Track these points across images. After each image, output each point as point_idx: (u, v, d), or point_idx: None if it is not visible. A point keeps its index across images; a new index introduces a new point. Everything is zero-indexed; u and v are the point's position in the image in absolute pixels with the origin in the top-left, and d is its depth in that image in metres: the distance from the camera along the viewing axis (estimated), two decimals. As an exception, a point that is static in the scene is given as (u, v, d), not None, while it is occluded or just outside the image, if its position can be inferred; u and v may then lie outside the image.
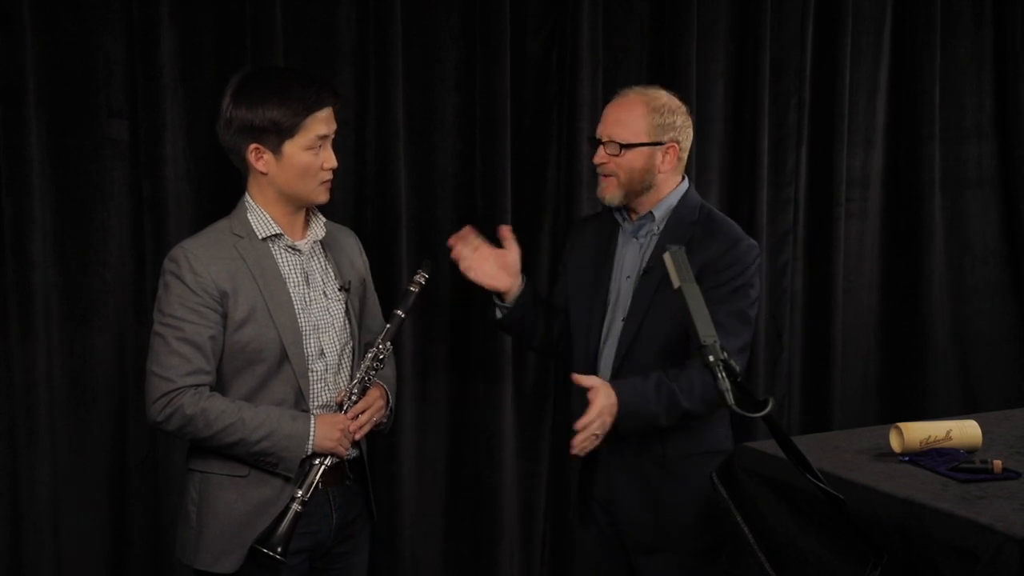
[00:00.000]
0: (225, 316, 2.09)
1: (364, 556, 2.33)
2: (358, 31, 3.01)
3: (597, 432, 2.27)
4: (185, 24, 2.81)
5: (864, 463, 2.14)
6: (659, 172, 2.43)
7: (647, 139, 2.40)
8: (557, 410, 3.33)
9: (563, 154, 3.25)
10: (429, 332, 3.17)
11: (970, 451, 2.18)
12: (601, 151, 2.44)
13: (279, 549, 2.06)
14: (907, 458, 2.14)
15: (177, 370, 2.06)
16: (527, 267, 3.22)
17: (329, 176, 2.16)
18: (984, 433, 2.23)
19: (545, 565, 3.36)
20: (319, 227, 2.24)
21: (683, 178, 2.50)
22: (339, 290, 2.23)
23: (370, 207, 3.05)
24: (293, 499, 2.10)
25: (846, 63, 3.55)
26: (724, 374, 1.75)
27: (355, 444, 2.22)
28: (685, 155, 2.48)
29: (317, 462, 2.13)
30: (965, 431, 2.21)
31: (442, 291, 3.15)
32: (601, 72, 3.24)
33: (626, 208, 2.50)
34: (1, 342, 2.70)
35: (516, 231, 3.14)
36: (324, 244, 2.25)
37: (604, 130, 2.45)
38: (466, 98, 3.14)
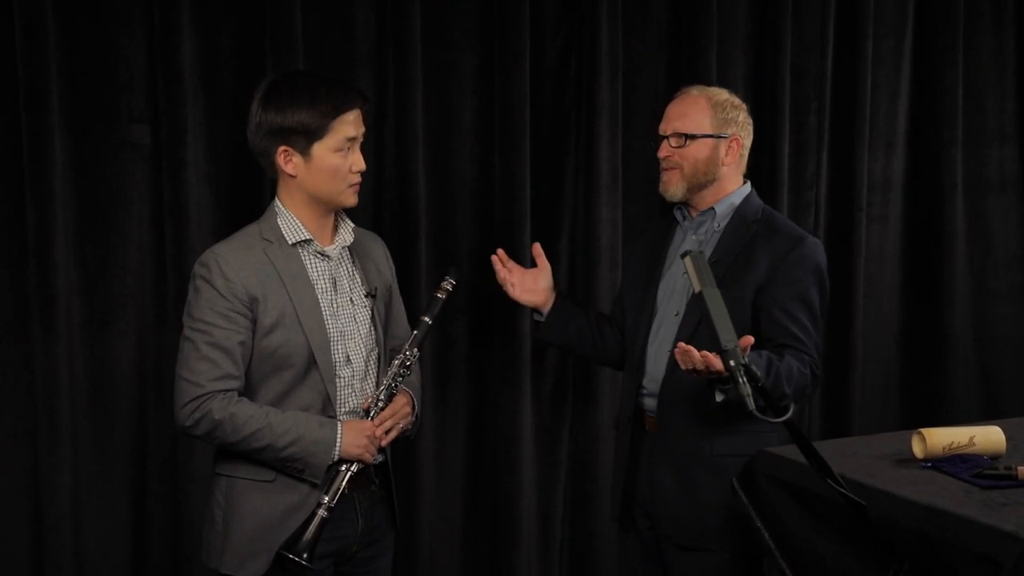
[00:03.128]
0: (254, 321, 2.10)
1: (388, 561, 2.33)
2: (377, 36, 3.02)
3: (705, 363, 2.12)
4: (205, 29, 2.83)
5: (885, 469, 2.13)
6: (723, 165, 2.46)
7: (711, 131, 2.45)
8: (575, 414, 3.32)
9: (581, 159, 3.25)
10: (448, 337, 3.17)
11: (993, 457, 2.16)
12: (665, 144, 2.48)
13: (305, 555, 2.07)
14: (929, 464, 2.13)
15: (206, 375, 2.07)
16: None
17: (358, 179, 2.17)
18: (1008, 439, 2.21)
19: (563, 569, 3.35)
20: (347, 233, 2.24)
21: (746, 180, 2.53)
22: (366, 296, 2.23)
23: (388, 212, 3.06)
24: (319, 505, 2.10)
25: (867, 67, 3.53)
26: (745, 379, 1.75)
27: (380, 450, 2.22)
28: (747, 152, 2.53)
29: (343, 468, 2.13)
30: (988, 437, 2.19)
31: (461, 297, 3.15)
32: (620, 77, 3.24)
33: (686, 205, 2.51)
34: (23, 345, 2.72)
35: (535, 236, 3.16)
36: (352, 250, 2.26)
37: (667, 125, 2.50)
38: (484, 103, 3.15)
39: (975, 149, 3.78)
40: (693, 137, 2.44)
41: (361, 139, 2.17)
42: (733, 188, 2.50)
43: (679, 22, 3.35)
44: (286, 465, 2.10)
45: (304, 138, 2.09)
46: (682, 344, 2.15)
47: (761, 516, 2.18)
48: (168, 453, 2.86)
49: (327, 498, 2.10)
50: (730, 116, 2.47)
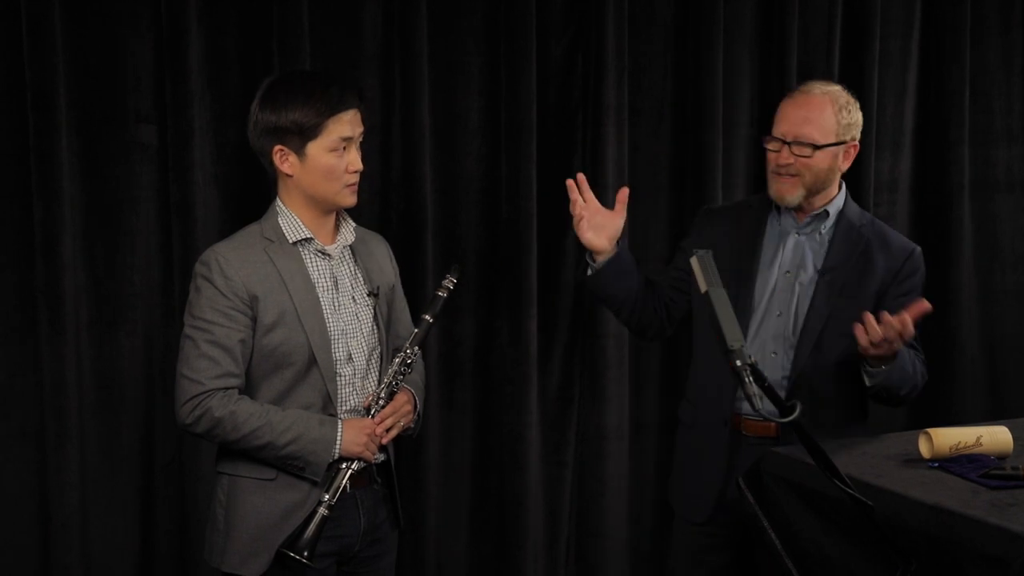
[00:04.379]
0: (254, 320, 2.10)
1: (391, 560, 2.33)
2: (383, 36, 3.03)
3: (892, 341, 2.15)
4: (212, 29, 2.84)
5: (892, 469, 2.12)
6: (840, 170, 2.40)
7: (835, 139, 2.35)
8: (582, 415, 3.32)
9: (588, 159, 3.24)
10: (454, 337, 3.17)
11: (1000, 457, 2.16)
12: (786, 151, 2.35)
13: (305, 553, 2.07)
14: (936, 464, 2.12)
15: (206, 373, 2.07)
16: (553, 270, 3.24)
17: (354, 179, 2.17)
18: (1015, 439, 2.20)
19: (569, 569, 3.35)
20: (349, 232, 2.24)
21: (843, 182, 2.48)
22: (368, 295, 2.23)
23: (395, 211, 3.06)
24: (320, 503, 2.10)
25: (874, 67, 3.53)
26: (752, 379, 1.74)
27: (382, 448, 2.22)
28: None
29: (344, 466, 2.13)
30: (996, 437, 2.18)
31: (467, 296, 3.15)
32: (626, 77, 3.24)
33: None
34: (31, 344, 2.73)
35: (540, 235, 3.16)
36: (354, 249, 2.26)
37: (791, 129, 2.36)
38: (491, 103, 3.15)
39: (982, 149, 3.77)
40: (822, 147, 2.33)
41: (359, 139, 2.16)
42: (839, 190, 2.45)
43: (685, 21, 3.35)
44: (286, 463, 2.10)
45: (298, 137, 2.10)
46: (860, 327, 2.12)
47: (768, 516, 2.17)
48: (174, 453, 2.87)
49: (327, 496, 2.10)
50: (852, 119, 2.36)
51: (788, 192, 2.37)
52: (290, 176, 2.14)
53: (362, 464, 2.17)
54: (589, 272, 2.52)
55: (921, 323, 2.25)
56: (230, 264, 2.10)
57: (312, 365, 2.13)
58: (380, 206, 3.05)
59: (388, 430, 2.19)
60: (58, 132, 2.68)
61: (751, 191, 3.47)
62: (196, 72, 2.80)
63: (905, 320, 2.13)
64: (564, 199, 3.23)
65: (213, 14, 2.84)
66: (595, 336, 3.26)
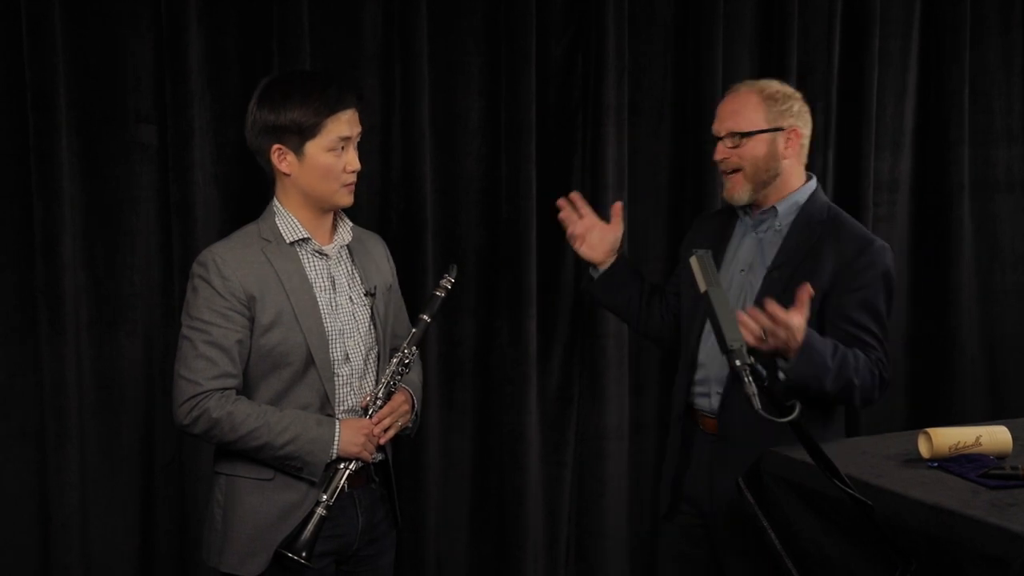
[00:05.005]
0: (252, 320, 2.10)
1: (390, 559, 2.33)
2: (383, 36, 3.03)
3: (774, 332, 2.10)
4: (212, 29, 2.84)
5: (892, 469, 2.12)
6: (783, 159, 2.38)
7: (766, 126, 2.36)
8: (581, 414, 3.32)
9: (587, 159, 3.25)
10: (454, 337, 3.17)
11: (1000, 457, 2.16)
12: (720, 146, 2.40)
13: (304, 554, 2.07)
14: (936, 464, 2.12)
15: (204, 373, 2.07)
16: (552, 270, 3.24)
17: (352, 179, 2.17)
18: (1014, 439, 2.20)
19: (569, 569, 3.35)
20: (346, 232, 2.24)
21: (811, 177, 2.46)
22: (365, 295, 2.23)
23: (395, 211, 3.06)
24: (318, 503, 2.10)
25: (873, 67, 3.53)
26: (751, 379, 1.74)
27: (380, 448, 2.22)
28: (807, 142, 2.44)
29: (342, 466, 2.13)
30: (995, 437, 2.18)
31: (467, 296, 3.15)
32: (626, 77, 3.24)
33: (751, 204, 2.44)
34: (31, 344, 2.73)
35: (540, 235, 3.16)
36: (351, 249, 2.26)
37: (721, 125, 2.41)
38: (491, 103, 3.15)
39: (982, 149, 3.77)
40: (749, 134, 2.35)
41: (357, 139, 2.16)
42: (798, 185, 2.42)
43: (685, 22, 3.35)
44: (284, 463, 2.10)
45: (297, 137, 2.10)
46: (741, 314, 2.05)
47: (768, 516, 2.17)
48: (174, 453, 2.87)
49: (325, 497, 2.10)
50: (784, 107, 2.38)
51: (735, 189, 2.41)
52: (288, 175, 2.14)
53: (360, 464, 2.17)
54: (588, 284, 2.59)
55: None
56: (227, 264, 2.10)
57: (310, 365, 2.13)
58: (380, 206, 3.05)
59: (386, 430, 2.19)
60: (58, 132, 2.68)
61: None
62: (196, 72, 2.80)
63: (774, 312, 2.07)
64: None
65: (213, 14, 2.84)
66: (595, 336, 3.26)
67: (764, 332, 2.10)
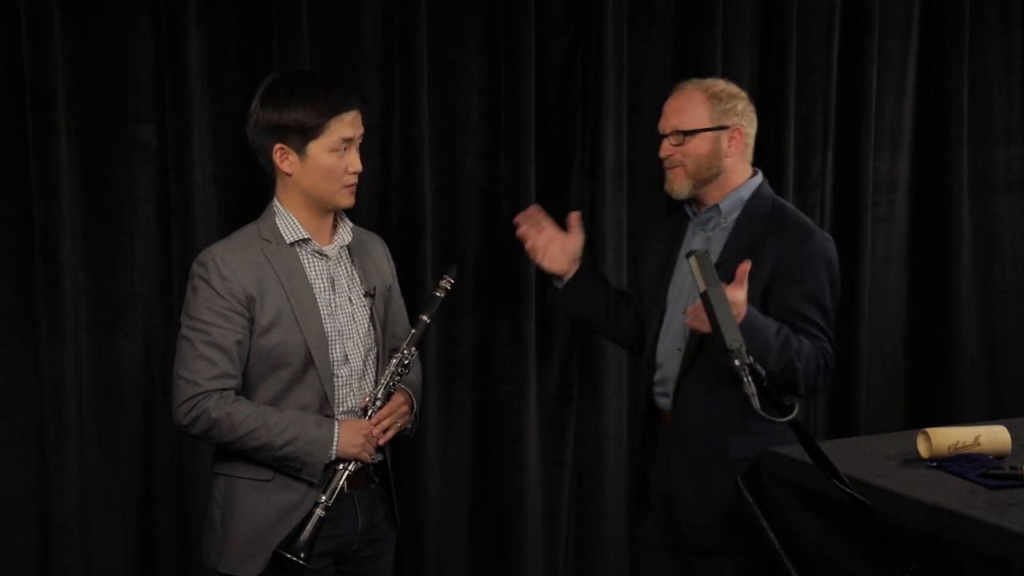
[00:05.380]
0: (252, 321, 2.10)
1: (389, 560, 2.33)
2: (383, 36, 3.03)
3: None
4: (212, 29, 2.84)
5: (891, 469, 2.13)
6: (726, 157, 2.40)
7: (710, 124, 2.39)
8: (581, 415, 3.32)
9: (587, 158, 3.25)
10: (453, 337, 3.17)
11: (999, 457, 2.16)
12: (665, 143, 2.43)
13: (302, 555, 2.07)
14: (935, 464, 2.12)
15: (203, 374, 2.07)
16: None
17: (353, 180, 2.17)
18: (1013, 439, 2.20)
19: (568, 569, 3.35)
20: (346, 232, 2.24)
21: (756, 172, 2.47)
22: (364, 296, 2.23)
23: (394, 211, 3.06)
24: (317, 504, 2.10)
25: (873, 66, 3.53)
26: (750, 378, 1.74)
27: (379, 449, 2.22)
28: (751, 141, 2.46)
29: (341, 467, 2.13)
30: (994, 437, 2.18)
31: (466, 296, 3.15)
32: (626, 76, 3.24)
33: (695, 201, 2.47)
34: (30, 345, 2.73)
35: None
36: (351, 249, 2.26)
37: (666, 123, 2.44)
38: (490, 102, 3.15)
39: (981, 149, 3.77)
40: (692, 133, 2.39)
41: (359, 140, 2.16)
42: (741, 181, 2.43)
43: (685, 21, 3.35)
44: (283, 464, 2.10)
45: (300, 137, 2.10)
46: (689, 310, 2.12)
47: (767, 516, 2.17)
48: (174, 453, 2.86)
49: (324, 498, 2.10)
50: (728, 106, 2.40)
51: (675, 183, 2.44)
52: (289, 175, 2.14)
53: (359, 465, 2.17)
54: (553, 295, 2.61)
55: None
56: (227, 265, 2.10)
57: (309, 366, 2.12)
58: (380, 206, 3.05)
59: (385, 431, 2.19)
60: (57, 132, 2.68)
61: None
62: (196, 72, 2.80)
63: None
64: (564, 199, 3.26)
65: (213, 14, 2.84)
66: (594, 336, 3.26)
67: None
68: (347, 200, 2.17)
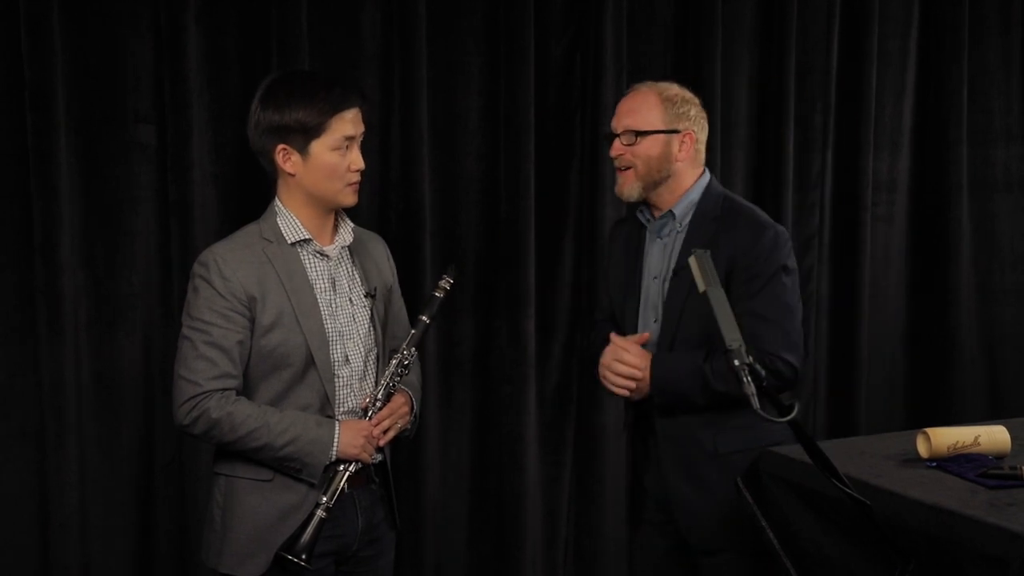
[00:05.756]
0: (252, 321, 2.10)
1: (389, 560, 2.33)
2: (383, 36, 3.03)
3: (619, 383, 2.33)
4: (211, 29, 2.84)
5: (891, 469, 2.13)
6: (676, 161, 2.39)
7: (663, 127, 2.38)
8: (580, 415, 3.32)
9: (587, 158, 3.25)
10: (453, 337, 3.17)
11: (998, 457, 2.16)
12: (616, 143, 2.43)
13: (303, 556, 2.07)
14: (934, 463, 2.12)
15: (204, 374, 2.07)
16: (551, 269, 3.24)
17: (356, 178, 2.16)
18: (1013, 439, 2.20)
19: (568, 569, 3.35)
20: (347, 232, 2.24)
21: (704, 171, 2.46)
22: (365, 296, 2.23)
23: (394, 211, 3.06)
24: (317, 505, 2.10)
25: (872, 66, 3.53)
26: (750, 378, 1.74)
27: (379, 449, 2.22)
28: (703, 147, 2.45)
29: (341, 468, 2.13)
30: (993, 436, 2.18)
31: (466, 296, 3.15)
32: (625, 76, 3.24)
33: (647, 206, 2.48)
34: (29, 344, 2.73)
35: (539, 234, 3.17)
36: (351, 250, 2.26)
37: (618, 122, 2.44)
38: (490, 102, 3.15)
39: (981, 149, 3.78)
40: (644, 134, 2.38)
41: (360, 138, 2.16)
42: (690, 184, 2.42)
43: (685, 21, 3.35)
44: (284, 465, 2.10)
45: (302, 136, 2.09)
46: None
47: (766, 516, 2.17)
48: (174, 453, 2.87)
49: (325, 499, 2.10)
50: (681, 111, 2.39)
51: (625, 186, 2.43)
52: (292, 175, 2.14)
53: (359, 466, 2.17)
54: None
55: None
56: (228, 265, 2.09)
57: (310, 366, 2.12)
58: (379, 206, 3.05)
59: (385, 432, 2.19)
60: (57, 132, 2.68)
61: (750, 190, 3.48)
62: (195, 72, 2.80)
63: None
64: (563, 199, 3.26)
65: (212, 14, 2.84)
66: (586, 334, 3.26)
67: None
68: (350, 199, 2.17)
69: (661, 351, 2.36)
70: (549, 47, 3.20)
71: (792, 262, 2.39)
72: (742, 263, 2.30)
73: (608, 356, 2.35)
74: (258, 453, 2.09)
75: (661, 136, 2.38)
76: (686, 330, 2.34)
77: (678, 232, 2.42)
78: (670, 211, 2.42)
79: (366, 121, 2.18)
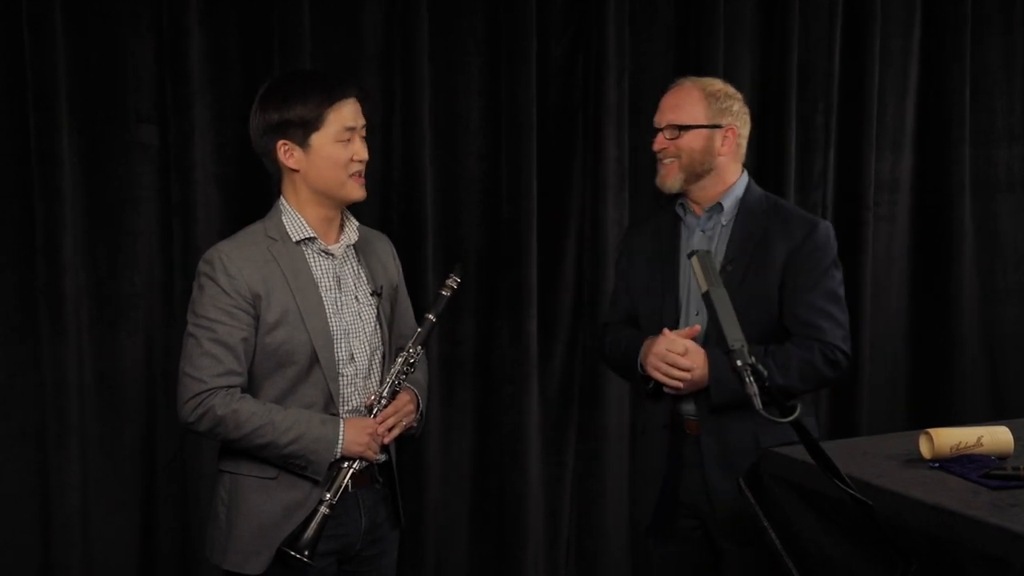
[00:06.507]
0: (257, 318, 2.10)
1: (392, 559, 2.33)
2: (384, 36, 3.03)
3: (674, 374, 2.31)
4: (213, 29, 2.84)
5: (893, 469, 2.12)
6: (719, 155, 2.42)
7: (705, 122, 2.42)
8: (582, 415, 3.32)
9: (588, 158, 3.25)
10: (455, 336, 3.17)
11: (1001, 457, 2.15)
12: (660, 137, 2.45)
13: (306, 552, 2.07)
14: (937, 464, 2.12)
15: (209, 371, 2.07)
16: (553, 269, 3.24)
17: (359, 168, 2.16)
18: (1016, 439, 2.20)
19: (570, 569, 3.35)
20: (352, 231, 2.24)
21: (743, 170, 2.49)
22: (371, 295, 2.23)
23: (395, 211, 3.06)
24: (321, 502, 2.10)
25: (875, 66, 3.53)
26: (752, 379, 1.74)
27: (384, 448, 2.22)
28: (744, 142, 2.48)
29: (345, 465, 2.13)
30: (996, 437, 2.18)
31: (468, 296, 3.15)
32: (627, 77, 3.24)
33: (687, 200, 2.48)
34: (32, 344, 2.73)
35: (541, 235, 3.16)
36: (357, 248, 2.26)
37: (662, 117, 2.46)
38: (491, 102, 3.15)
39: (983, 149, 3.77)
40: (687, 128, 2.41)
41: (362, 131, 2.16)
42: (733, 179, 2.45)
43: (686, 21, 3.35)
44: (288, 462, 2.10)
45: (301, 130, 2.10)
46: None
47: (768, 516, 2.17)
48: (176, 452, 2.87)
49: (328, 495, 2.10)
50: (724, 106, 2.43)
51: (667, 177, 2.45)
52: (296, 171, 2.14)
53: (364, 464, 2.17)
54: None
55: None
56: (233, 262, 2.10)
57: (314, 364, 2.13)
58: (381, 206, 3.05)
59: (390, 429, 2.19)
60: (59, 132, 2.69)
61: (752, 190, 3.47)
62: (197, 72, 2.80)
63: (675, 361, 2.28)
64: (565, 199, 3.26)
65: (214, 14, 2.84)
66: (595, 336, 3.26)
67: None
68: (357, 192, 2.17)
69: (708, 344, 2.35)
70: (550, 47, 3.20)
71: (837, 257, 2.44)
72: (799, 256, 2.35)
73: (661, 346, 2.33)
74: (262, 450, 2.09)
75: (704, 131, 2.41)
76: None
77: (723, 225, 2.43)
78: (719, 203, 2.44)
79: (367, 116, 2.18)
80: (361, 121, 2.16)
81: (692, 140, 2.41)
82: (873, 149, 3.57)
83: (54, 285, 2.70)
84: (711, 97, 2.43)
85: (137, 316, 2.84)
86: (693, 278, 2.39)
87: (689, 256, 1.98)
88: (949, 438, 2.15)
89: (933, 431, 2.17)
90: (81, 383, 2.76)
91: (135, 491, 2.88)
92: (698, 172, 2.43)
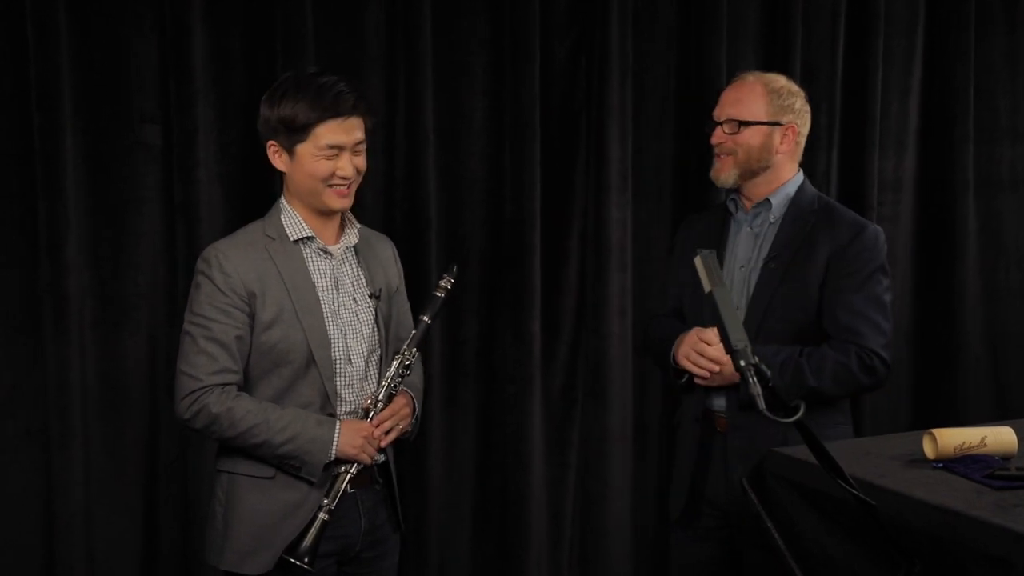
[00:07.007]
0: (252, 317, 2.10)
1: (393, 562, 2.33)
2: (387, 36, 3.03)
3: (703, 364, 2.30)
4: (216, 29, 2.84)
5: (896, 469, 2.12)
6: (777, 153, 2.41)
7: (766, 118, 2.40)
8: (585, 415, 3.32)
9: (592, 159, 3.24)
10: (457, 337, 3.17)
11: (1005, 458, 2.15)
12: (719, 131, 2.44)
13: (307, 559, 2.07)
14: (940, 464, 2.12)
15: (204, 369, 2.08)
16: (556, 270, 3.24)
17: (341, 183, 2.13)
18: (1020, 439, 2.20)
19: (573, 570, 3.35)
20: (353, 233, 2.25)
21: (799, 170, 2.48)
22: (369, 297, 2.23)
23: (398, 211, 3.06)
24: (320, 507, 2.10)
25: (878, 65, 3.52)
26: (755, 379, 1.74)
27: (382, 450, 2.22)
28: (803, 140, 2.47)
29: (343, 469, 2.13)
30: (1000, 437, 2.18)
31: (471, 296, 3.15)
32: (630, 77, 3.23)
33: (739, 196, 2.46)
34: (35, 344, 2.74)
35: (544, 236, 3.16)
36: (357, 250, 2.26)
37: (722, 111, 2.45)
38: (494, 103, 3.15)
39: (987, 148, 3.76)
40: (747, 124, 2.39)
41: (354, 146, 2.12)
42: (788, 177, 2.44)
43: (689, 22, 3.34)
44: (283, 462, 2.11)
45: (286, 136, 2.10)
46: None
47: (771, 516, 2.17)
48: (178, 452, 2.87)
49: (327, 500, 2.10)
50: (786, 103, 2.41)
51: (722, 171, 2.44)
52: (284, 172, 2.16)
53: (361, 466, 2.17)
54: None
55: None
56: (229, 261, 2.10)
57: (310, 364, 2.13)
58: (384, 206, 3.05)
59: (386, 433, 2.19)
60: (62, 132, 2.69)
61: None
62: (200, 72, 2.80)
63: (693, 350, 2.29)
64: (568, 200, 3.26)
65: (217, 14, 2.84)
66: (598, 336, 3.26)
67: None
68: (336, 202, 2.15)
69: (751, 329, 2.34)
70: (553, 47, 3.20)
71: (888, 263, 2.41)
72: (843, 258, 2.33)
73: (693, 336, 2.33)
74: (258, 449, 2.09)
75: (763, 127, 2.40)
76: (773, 321, 2.33)
77: (771, 223, 2.42)
78: (767, 200, 2.43)
79: (368, 128, 2.16)
80: (357, 138, 2.12)
81: (751, 136, 2.40)
82: (876, 149, 3.56)
83: (57, 285, 2.71)
84: (773, 93, 2.41)
85: (140, 316, 2.84)
86: (741, 270, 2.39)
87: (692, 257, 1.98)
88: (953, 438, 2.15)
89: (937, 431, 2.17)
90: (84, 383, 2.77)
91: (138, 491, 2.88)
92: (754, 169, 2.41)
